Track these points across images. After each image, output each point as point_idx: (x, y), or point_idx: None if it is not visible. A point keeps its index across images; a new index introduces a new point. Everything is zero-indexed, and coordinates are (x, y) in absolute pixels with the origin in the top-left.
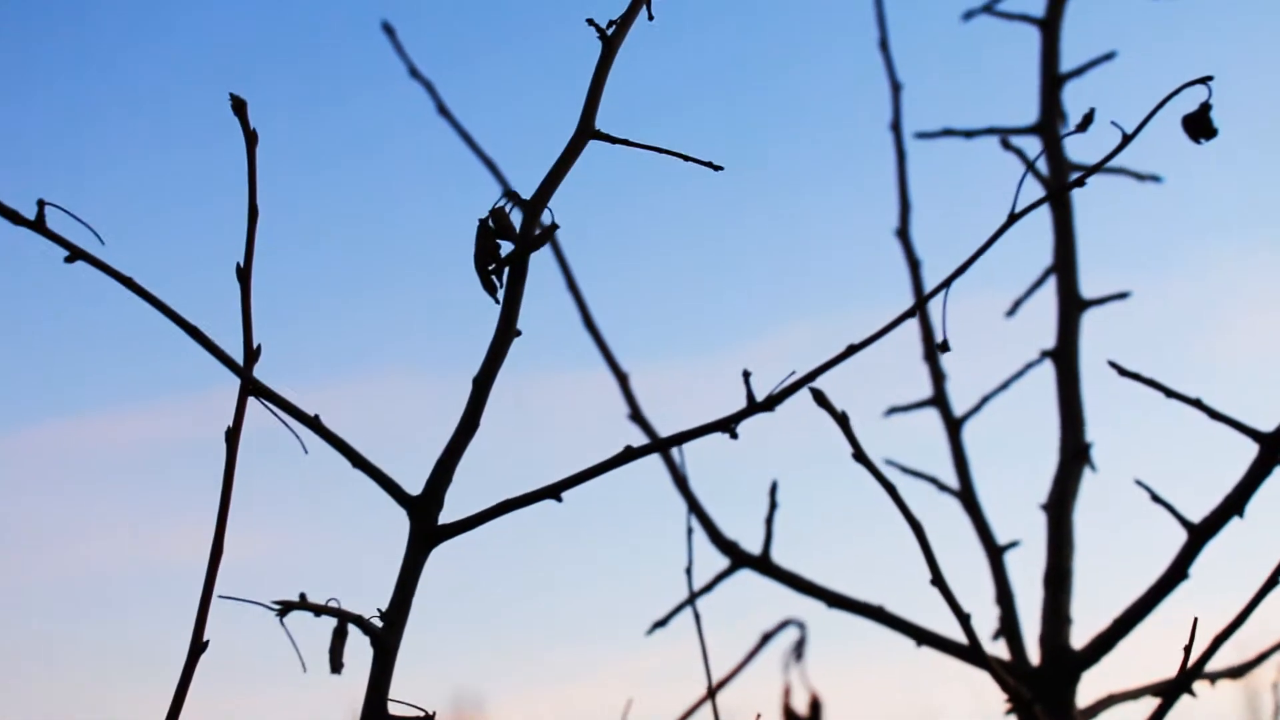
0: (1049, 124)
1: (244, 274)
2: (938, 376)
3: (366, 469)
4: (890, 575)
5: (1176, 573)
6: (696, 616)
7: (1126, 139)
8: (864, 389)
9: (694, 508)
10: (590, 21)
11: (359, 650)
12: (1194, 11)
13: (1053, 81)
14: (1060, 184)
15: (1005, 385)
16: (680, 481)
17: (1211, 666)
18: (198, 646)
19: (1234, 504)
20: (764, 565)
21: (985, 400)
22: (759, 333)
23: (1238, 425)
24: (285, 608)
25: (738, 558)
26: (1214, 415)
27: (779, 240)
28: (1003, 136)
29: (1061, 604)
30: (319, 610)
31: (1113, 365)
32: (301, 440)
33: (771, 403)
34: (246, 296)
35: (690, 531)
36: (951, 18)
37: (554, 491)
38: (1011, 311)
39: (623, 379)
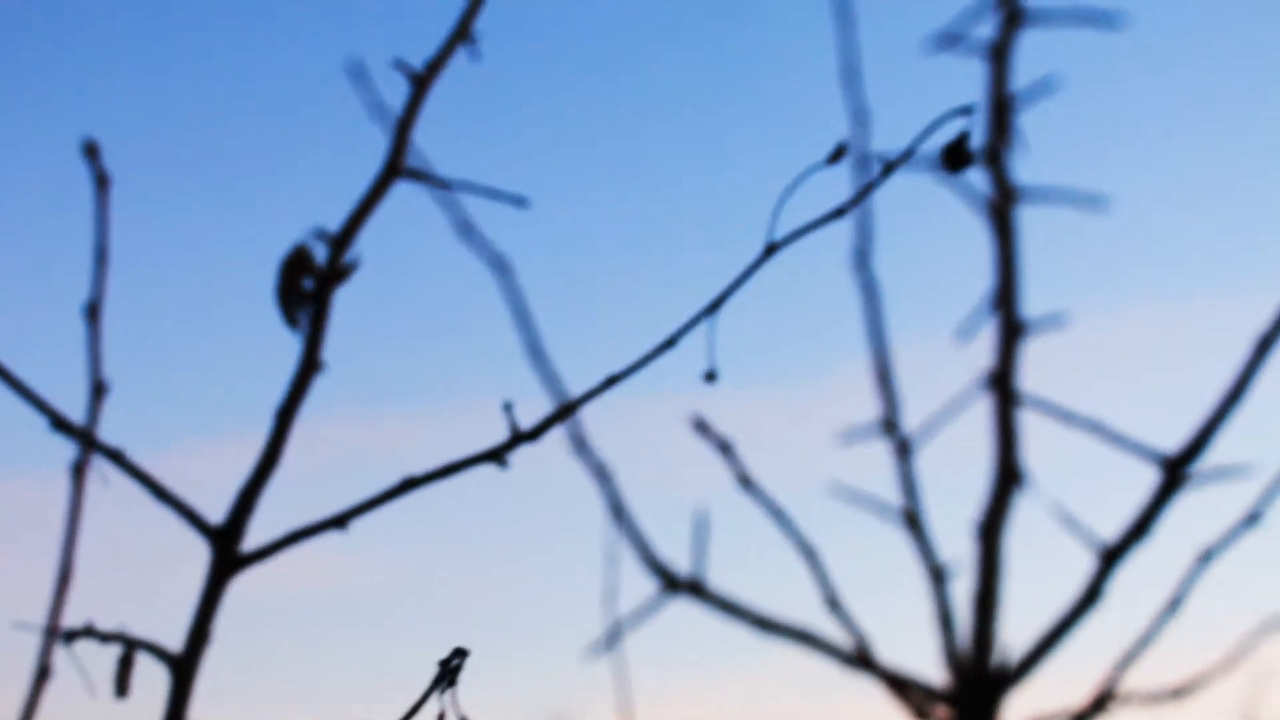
0: (995, 150)
1: (92, 313)
2: (889, 401)
3: (169, 501)
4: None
5: (1091, 596)
6: (618, 641)
7: (890, 167)
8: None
9: (627, 528)
10: (399, 64)
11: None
12: (1148, 40)
13: (1001, 107)
14: (1001, 210)
15: (953, 411)
16: (613, 501)
17: (1153, 687)
18: (43, 674)
19: (1140, 528)
20: (696, 590)
21: (934, 425)
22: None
23: (1138, 449)
24: (69, 635)
25: (669, 582)
26: (1114, 439)
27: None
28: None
29: (988, 626)
30: (106, 637)
31: (1017, 394)
32: (104, 474)
33: (536, 433)
34: (95, 336)
35: (613, 553)
36: (891, 43)
37: (339, 521)
38: (960, 337)
39: (567, 410)
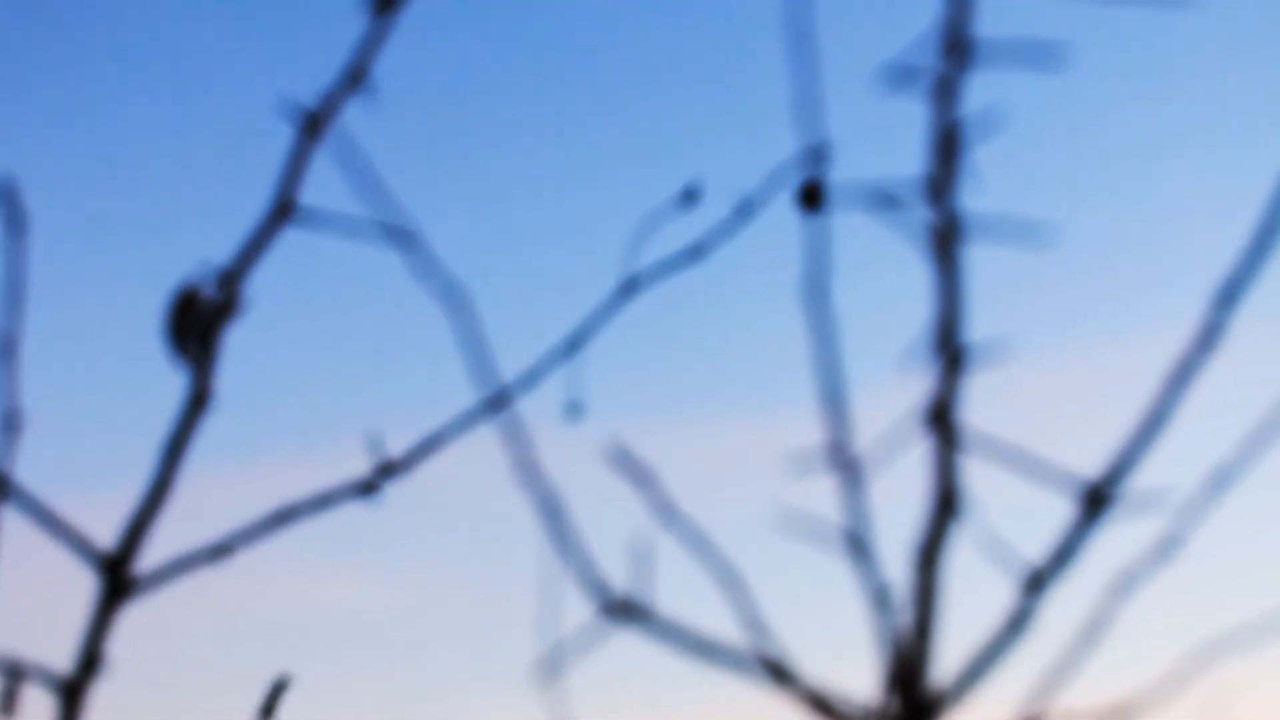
0: (941, 182)
1: (8, 348)
2: (839, 426)
3: (58, 528)
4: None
5: (1017, 624)
6: (555, 667)
7: (745, 209)
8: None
9: (571, 550)
10: (293, 105)
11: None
12: (1097, 68)
13: (948, 139)
14: (945, 241)
15: (898, 441)
16: (558, 526)
17: (1087, 710)
18: None
19: (1061, 557)
20: (636, 612)
21: (881, 454)
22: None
23: (1055, 476)
24: None
25: (608, 604)
26: (1029, 466)
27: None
28: (882, 196)
29: (922, 652)
30: None
31: (914, 422)
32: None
33: (406, 464)
34: (11, 371)
35: (551, 579)
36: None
37: (223, 551)
38: (903, 368)
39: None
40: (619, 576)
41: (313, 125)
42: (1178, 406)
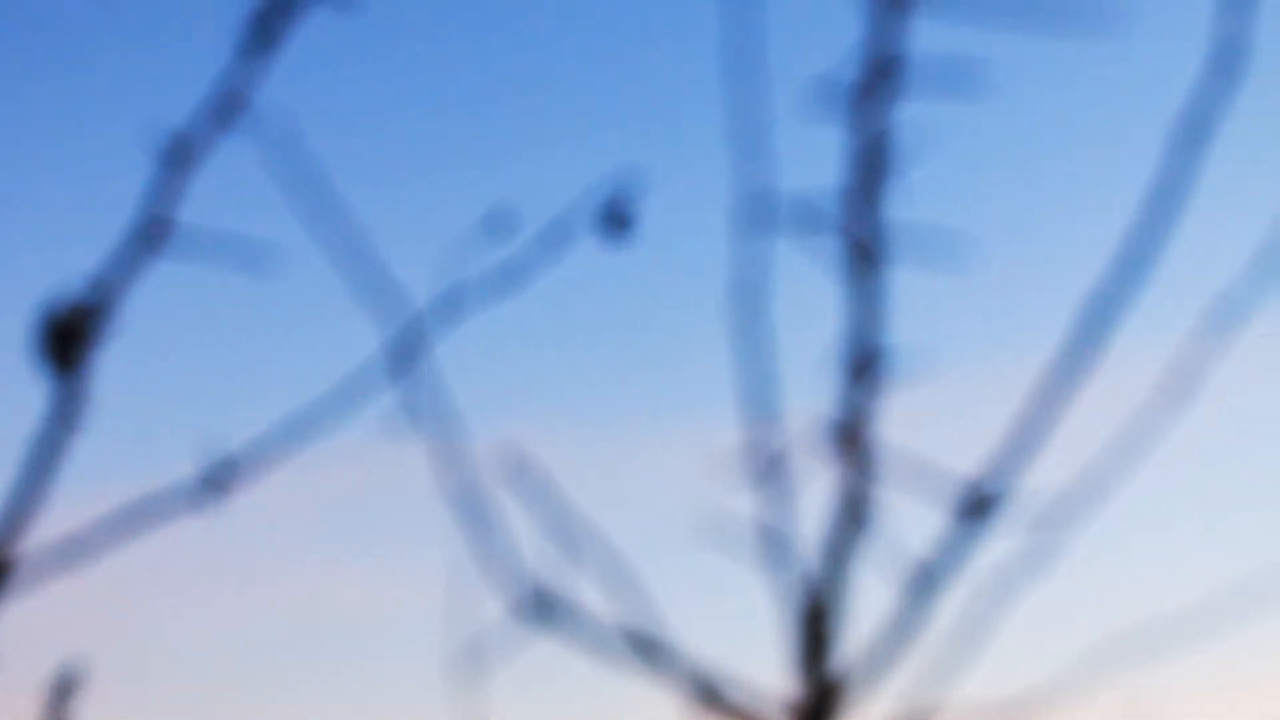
0: (861, 196)
1: None
2: (763, 430)
3: None
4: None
5: (901, 627)
6: (471, 665)
7: (556, 235)
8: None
9: (483, 534)
10: (159, 134)
11: None
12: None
13: (870, 152)
14: (863, 261)
15: (814, 449)
16: (479, 527)
17: (990, 700)
18: None
19: (942, 563)
20: (551, 607)
21: (803, 460)
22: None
23: (934, 478)
24: None
25: (524, 598)
26: (905, 471)
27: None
28: (799, 212)
29: (823, 639)
30: None
31: (823, 433)
32: None
33: (229, 480)
34: None
35: (466, 567)
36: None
37: (84, 554)
38: (814, 379)
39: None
40: (540, 579)
41: (181, 150)
42: (1057, 415)
